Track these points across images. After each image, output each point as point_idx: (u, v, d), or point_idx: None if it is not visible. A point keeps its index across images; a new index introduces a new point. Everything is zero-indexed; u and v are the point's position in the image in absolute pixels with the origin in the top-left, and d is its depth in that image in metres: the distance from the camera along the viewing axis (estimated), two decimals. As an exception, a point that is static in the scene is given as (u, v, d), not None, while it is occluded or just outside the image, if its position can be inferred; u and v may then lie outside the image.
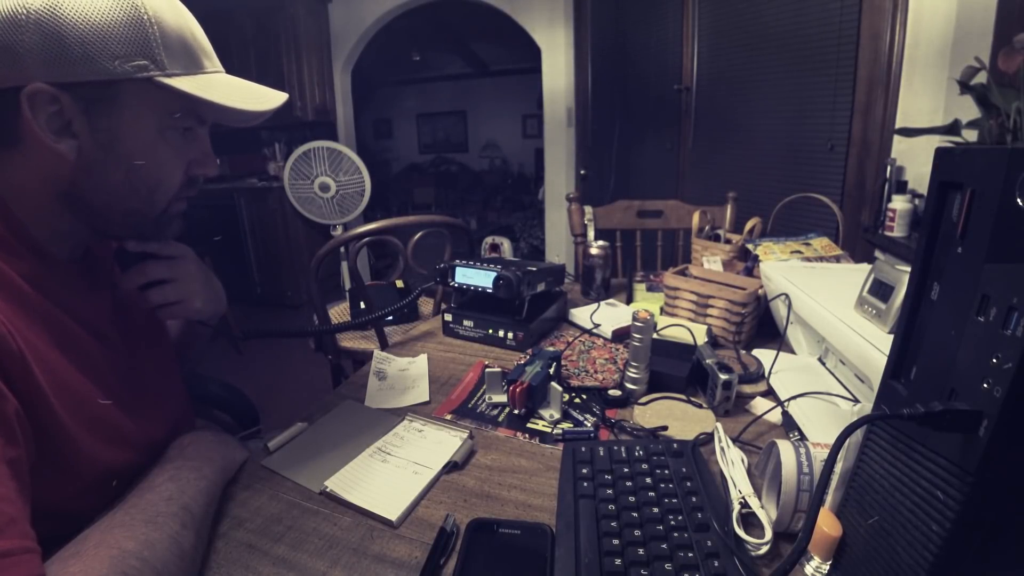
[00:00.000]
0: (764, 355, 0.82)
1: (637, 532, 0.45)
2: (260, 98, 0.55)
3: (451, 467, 0.59)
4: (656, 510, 0.48)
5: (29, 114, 0.43)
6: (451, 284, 0.98)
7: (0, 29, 0.42)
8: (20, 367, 0.41)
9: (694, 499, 0.49)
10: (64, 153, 0.46)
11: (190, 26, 0.51)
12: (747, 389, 0.74)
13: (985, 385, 0.30)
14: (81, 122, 0.46)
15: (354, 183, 3.15)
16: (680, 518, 0.47)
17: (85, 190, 0.49)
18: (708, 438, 0.62)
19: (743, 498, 0.50)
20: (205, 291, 0.64)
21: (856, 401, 0.66)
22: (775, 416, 0.68)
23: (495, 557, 0.46)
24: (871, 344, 0.61)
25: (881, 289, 0.66)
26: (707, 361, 0.72)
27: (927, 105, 1.66)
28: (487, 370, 0.75)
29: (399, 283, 1.81)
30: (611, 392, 0.74)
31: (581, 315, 1.03)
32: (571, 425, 0.68)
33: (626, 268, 1.68)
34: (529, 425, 0.69)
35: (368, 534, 0.50)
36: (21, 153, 0.46)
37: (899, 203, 1.58)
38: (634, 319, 0.72)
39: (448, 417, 0.71)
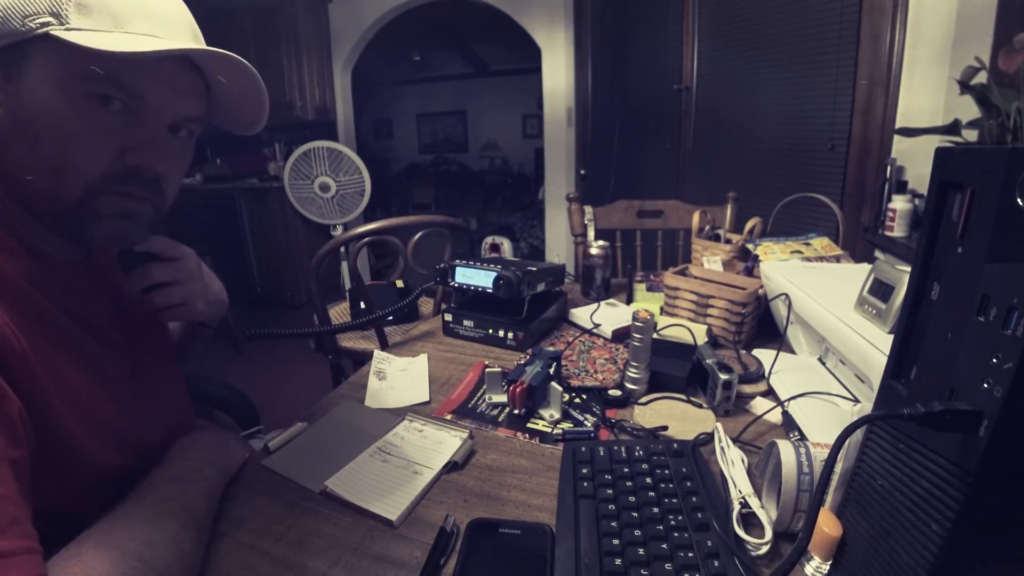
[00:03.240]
0: (764, 355, 0.82)
1: (637, 532, 0.45)
2: (161, 44, 0.44)
3: (451, 467, 0.59)
4: (656, 510, 0.48)
5: None
6: (451, 284, 0.98)
7: None
8: (23, 368, 0.41)
9: (694, 499, 0.49)
10: None
11: None
12: (747, 389, 0.74)
13: (985, 385, 0.30)
14: (2, 90, 0.43)
15: (354, 183, 3.15)
16: (680, 518, 0.47)
17: (7, 167, 0.45)
18: (708, 438, 0.62)
19: (743, 498, 0.50)
20: (207, 293, 0.64)
21: (856, 401, 0.66)
22: (775, 416, 0.68)
23: (495, 557, 0.46)
24: (871, 344, 0.61)
25: (881, 289, 0.66)
26: (707, 361, 0.72)
27: (927, 105, 1.66)
28: (487, 370, 0.75)
29: (399, 283, 1.81)
30: (611, 392, 0.74)
31: (581, 315, 1.03)
32: (571, 425, 0.68)
33: (626, 268, 1.68)
34: (529, 425, 0.69)
35: (368, 534, 0.50)
36: None
37: (899, 203, 1.58)
38: (634, 319, 0.72)
39: (448, 417, 0.71)
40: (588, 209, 1.58)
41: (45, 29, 0.41)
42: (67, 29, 0.42)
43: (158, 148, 0.48)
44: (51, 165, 0.45)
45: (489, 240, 3.87)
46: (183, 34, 0.49)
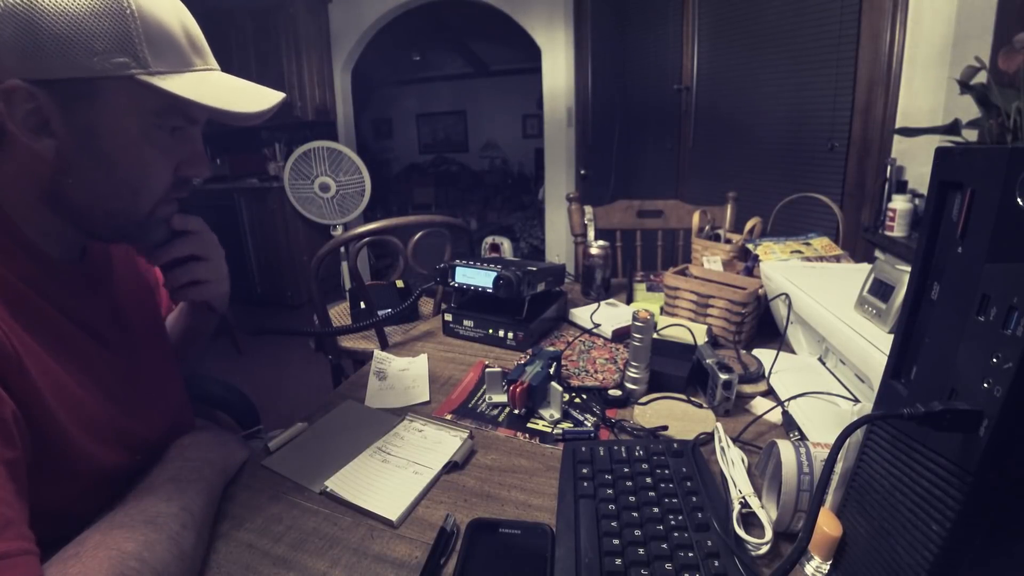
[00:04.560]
0: (764, 355, 0.82)
1: (637, 532, 0.45)
2: (252, 99, 0.52)
3: (451, 467, 0.59)
4: (656, 510, 0.48)
5: (5, 111, 0.42)
6: (451, 284, 0.98)
7: None
8: (16, 369, 0.41)
9: (694, 499, 0.49)
10: (41, 152, 0.44)
11: (182, 20, 0.48)
12: (747, 389, 0.74)
13: (985, 385, 0.30)
14: (59, 120, 0.44)
15: (354, 183, 3.15)
16: (680, 518, 0.47)
17: (66, 189, 0.47)
18: (708, 438, 0.62)
19: (743, 498, 0.50)
20: (226, 276, 0.66)
21: (856, 401, 0.66)
22: (775, 416, 0.68)
23: (495, 557, 0.46)
24: (871, 344, 0.61)
25: (881, 289, 0.66)
26: (707, 361, 0.72)
27: (927, 105, 1.66)
28: (487, 370, 0.75)
29: (399, 283, 1.81)
30: (611, 392, 0.74)
31: (581, 315, 1.03)
32: (571, 425, 0.68)
33: (626, 268, 1.68)
34: (529, 425, 0.69)
35: (368, 534, 0.50)
36: (2, 150, 0.45)
37: (899, 203, 1.58)
38: (634, 319, 0.72)
39: (448, 417, 0.71)
40: (588, 209, 1.58)
41: (129, 72, 0.44)
42: (152, 73, 0.45)
43: (201, 156, 0.54)
44: (129, 189, 0.50)
45: (489, 240, 3.87)
46: (212, 56, 0.53)
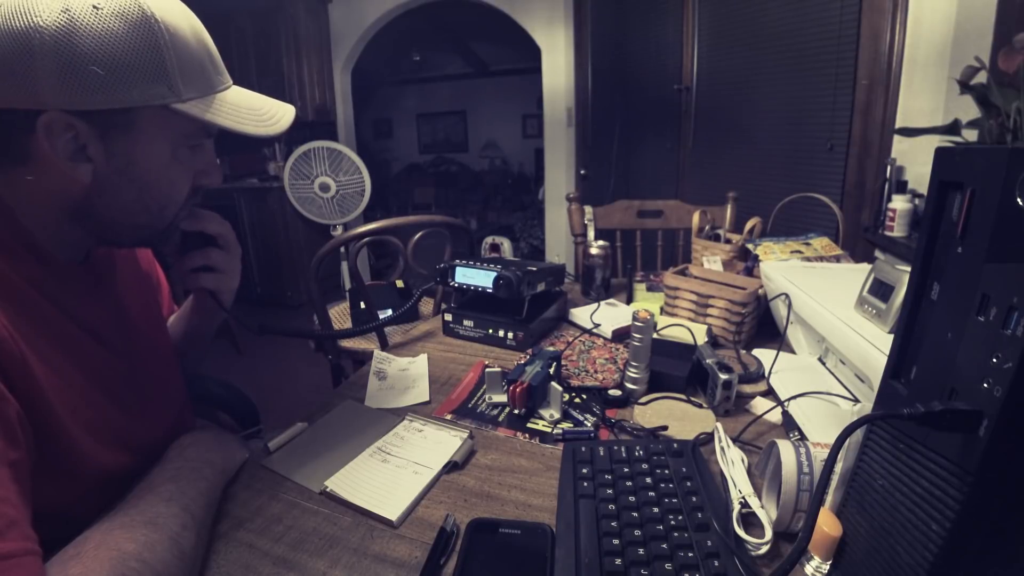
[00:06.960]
0: (764, 355, 0.82)
1: (637, 532, 0.45)
2: (271, 117, 0.55)
3: (451, 467, 0.59)
4: (656, 510, 0.48)
5: (45, 141, 0.43)
6: (451, 284, 0.98)
7: (12, 50, 0.40)
8: (21, 369, 0.41)
9: (694, 499, 0.49)
10: (79, 177, 0.46)
11: (206, 45, 0.50)
12: (747, 389, 0.74)
13: (985, 385, 0.30)
14: (97, 147, 0.46)
15: (354, 183, 3.15)
16: (680, 518, 0.47)
17: (96, 207, 0.49)
18: (708, 438, 0.62)
19: (743, 498, 0.50)
20: (238, 272, 0.68)
21: (856, 401, 0.66)
22: (775, 416, 0.68)
23: (495, 557, 0.46)
24: (871, 344, 0.61)
25: (881, 289, 0.66)
26: (707, 361, 0.72)
27: (927, 105, 1.66)
28: (487, 370, 0.75)
29: (399, 283, 1.81)
30: (611, 392, 0.74)
31: (581, 315, 1.03)
32: (571, 425, 0.68)
33: (626, 268, 1.68)
34: (529, 425, 0.69)
35: (368, 534, 0.50)
36: (30, 170, 0.46)
37: (899, 203, 1.58)
38: (634, 319, 0.72)
39: (448, 417, 0.71)
40: (588, 209, 1.58)
41: (164, 102, 0.46)
42: (184, 101, 0.48)
43: (215, 166, 0.57)
44: (158, 205, 0.53)
45: (489, 240, 3.88)
46: (226, 69, 0.54)
